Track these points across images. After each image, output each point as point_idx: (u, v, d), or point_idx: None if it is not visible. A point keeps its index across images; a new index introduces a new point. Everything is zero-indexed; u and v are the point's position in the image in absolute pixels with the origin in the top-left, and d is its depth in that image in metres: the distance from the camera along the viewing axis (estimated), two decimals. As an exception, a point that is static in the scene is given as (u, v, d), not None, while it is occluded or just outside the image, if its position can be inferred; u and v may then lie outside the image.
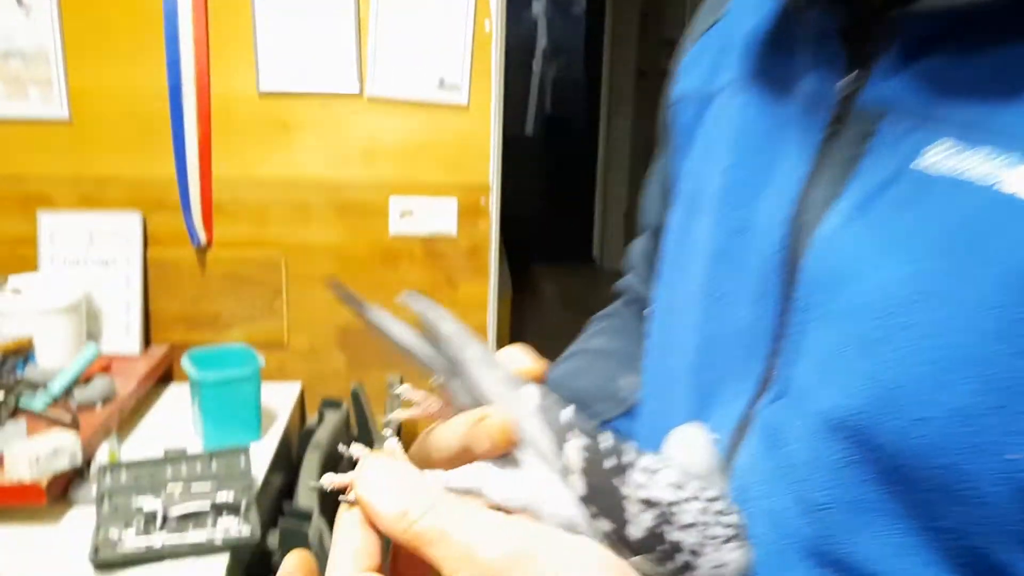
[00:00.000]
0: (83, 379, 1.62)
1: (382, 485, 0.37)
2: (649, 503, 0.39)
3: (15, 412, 1.51)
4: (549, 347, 0.67)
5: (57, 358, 1.65)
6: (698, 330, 0.51)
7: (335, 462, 1.73)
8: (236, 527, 1.38)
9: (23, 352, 1.61)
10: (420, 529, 0.36)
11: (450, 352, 0.42)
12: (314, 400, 1.94)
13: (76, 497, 1.45)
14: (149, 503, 1.39)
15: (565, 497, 0.39)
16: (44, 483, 1.36)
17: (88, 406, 1.57)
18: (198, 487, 1.44)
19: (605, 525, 0.39)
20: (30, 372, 1.60)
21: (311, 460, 1.63)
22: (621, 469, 0.39)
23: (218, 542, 1.35)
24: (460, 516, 0.36)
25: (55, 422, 1.48)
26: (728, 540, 0.39)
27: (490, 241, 1.99)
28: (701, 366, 0.51)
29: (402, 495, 0.37)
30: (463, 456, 0.40)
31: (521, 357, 0.43)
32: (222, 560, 1.34)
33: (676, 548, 0.39)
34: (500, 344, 1.89)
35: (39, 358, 1.65)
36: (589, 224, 5.18)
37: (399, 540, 0.37)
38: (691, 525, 0.39)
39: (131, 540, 1.34)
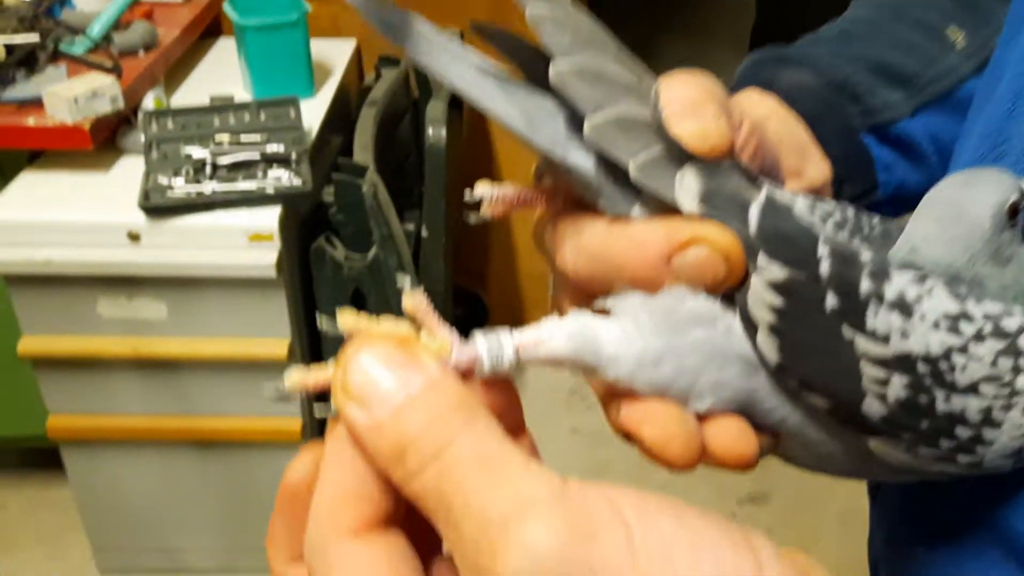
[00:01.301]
0: (123, 24, 1.52)
1: (374, 394, 0.26)
2: (906, 360, 0.29)
3: (54, 57, 1.43)
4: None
5: (94, 2, 1.55)
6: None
7: (391, 121, 1.64)
8: (288, 178, 1.33)
9: (57, -6, 1.51)
10: (419, 489, 0.25)
11: (594, 100, 0.30)
12: (371, 58, 1.82)
13: (124, 145, 1.40)
14: (198, 151, 1.34)
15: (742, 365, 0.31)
16: (87, 126, 1.30)
17: (130, 52, 1.48)
18: (247, 138, 1.37)
19: (821, 402, 0.30)
20: (67, 16, 1.50)
21: (366, 117, 1.55)
22: (856, 303, 0.29)
23: (269, 191, 1.30)
24: (483, 476, 0.24)
25: (96, 67, 1.39)
26: None
27: None
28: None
29: (404, 418, 0.25)
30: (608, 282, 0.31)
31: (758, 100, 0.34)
32: (275, 210, 1.30)
33: (952, 421, 0.29)
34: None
35: (76, 1, 1.55)
36: None
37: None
38: (978, 383, 0.29)
39: (180, 187, 1.30)
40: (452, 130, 1.59)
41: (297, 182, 1.32)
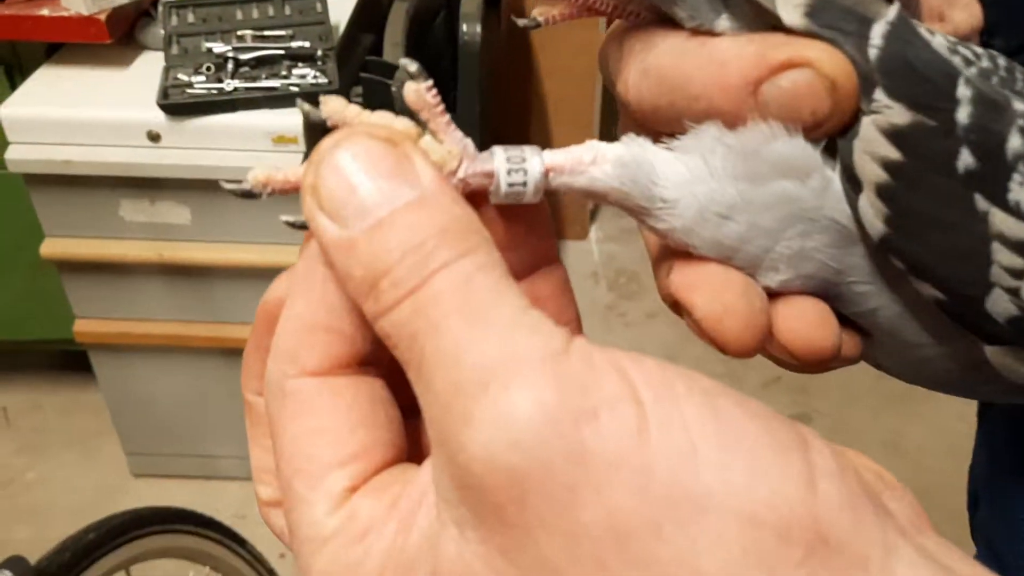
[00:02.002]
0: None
1: (349, 203, 0.21)
2: None
3: (72, -55, 1.36)
4: None
5: None
6: None
7: (424, 17, 1.56)
8: (313, 76, 1.26)
9: None
10: (389, 327, 0.20)
11: None
12: (405, -49, 1.73)
13: (144, 39, 1.34)
14: (219, 47, 1.27)
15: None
16: (103, 17, 1.24)
17: (150, -59, 1.41)
18: (271, 33, 1.30)
19: (931, 291, 0.24)
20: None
21: (397, 12, 1.47)
22: (999, 166, 0.23)
23: (294, 90, 1.24)
24: (465, 320, 0.19)
25: (114, -43, 1.33)
26: None
27: None
28: None
29: (381, 238, 0.20)
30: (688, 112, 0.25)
31: None
32: (299, 111, 1.23)
33: None
34: None
35: None
36: None
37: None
38: None
39: (201, 84, 1.24)
40: (488, 27, 1.50)
41: (323, 81, 1.25)
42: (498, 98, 1.66)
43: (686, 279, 0.26)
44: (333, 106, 0.24)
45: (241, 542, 1.12)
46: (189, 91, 1.23)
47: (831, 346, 0.26)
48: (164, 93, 1.23)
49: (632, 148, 0.25)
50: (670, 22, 0.27)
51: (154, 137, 1.23)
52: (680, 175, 0.25)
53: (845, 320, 0.27)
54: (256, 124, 1.23)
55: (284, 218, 0.28)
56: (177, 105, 1.22)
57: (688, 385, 0.19)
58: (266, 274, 1.32)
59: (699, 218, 0.25)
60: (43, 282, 1.45)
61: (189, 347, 1.41)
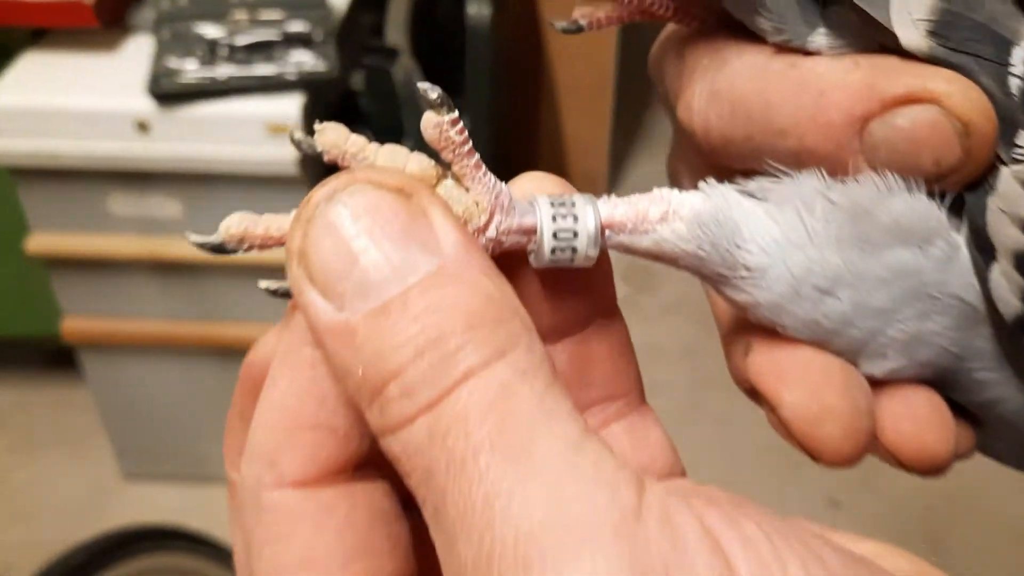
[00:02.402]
0: None
1: (346, 276, 0.17)
2: None
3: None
4: None
5: None
6: None
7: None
8: (311, 61, 1.19)
9: None
10: (399, 451, 0.16)
11: None
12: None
13: (133, 22, 1.27)
14: (212, 30, 1.21)
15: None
16: (91, 1, 1.17)
17: (139, -83, 1.33)
18: (267, 15, 1.23)
19: None
20: None
21: (401, -9, 1.40)
22: None
23: (291, 77, 1.17)
24: (506, 459, 0.15)
25: (101, -66, 1.25)
26: None
27: None
28: None
29: (390, 327, 0.16)
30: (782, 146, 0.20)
31: None
32: (297, 98, 1.17)
33: None
34: None
35: None
36: None
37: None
38: None
39: (193, 71, 1.17)
40: (498, 7, 1.43)
41: (322, 66, 1.19)
42: (506, 80, 1.59)
43: (772, 366, 0.21)
44: (330, 137, 0.20)
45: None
46: (180, 78, 1.16)
47: (946, 451, 0.21)
48: (154, 80, 1.16)
49: (713, 202, 0.20)
50: (743, 31, 0.22)
51: (143, 127, 1.16)
52: (771, 238, 0.20)
53: (955, 407, 0.22)
54: (251, 113, 1.16)
55: (263, 284, 0.23)
56: (167, 93, 1.15)
57: (802, 559, 0.14)
58: (261, 271, 1.26)
59: (793, 293, 0.20)
60: (29, 278, 1.39)
61: (181, 346, 1.35)
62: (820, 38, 0.21)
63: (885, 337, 0.20)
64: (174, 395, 1.43)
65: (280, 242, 0.20)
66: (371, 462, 0.18)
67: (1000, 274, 0.19)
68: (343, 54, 1.22)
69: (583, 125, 1.75)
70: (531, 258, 0.20)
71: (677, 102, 0.23)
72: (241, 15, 1.22)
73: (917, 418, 0.21)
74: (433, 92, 0.20)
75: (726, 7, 0.22)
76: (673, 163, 0.26)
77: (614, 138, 1.86)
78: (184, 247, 1.25)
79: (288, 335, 0.18)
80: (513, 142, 1.82)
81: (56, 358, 1.67)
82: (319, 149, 0.20)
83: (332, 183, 0.17)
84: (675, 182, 0.26)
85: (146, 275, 1.29)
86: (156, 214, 1.24)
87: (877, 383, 0.21)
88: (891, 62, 0.20)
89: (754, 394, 0.22)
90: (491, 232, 0.19)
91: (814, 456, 0.20)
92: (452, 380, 0.15)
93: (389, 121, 1.26)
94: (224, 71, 1.17)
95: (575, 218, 0.19)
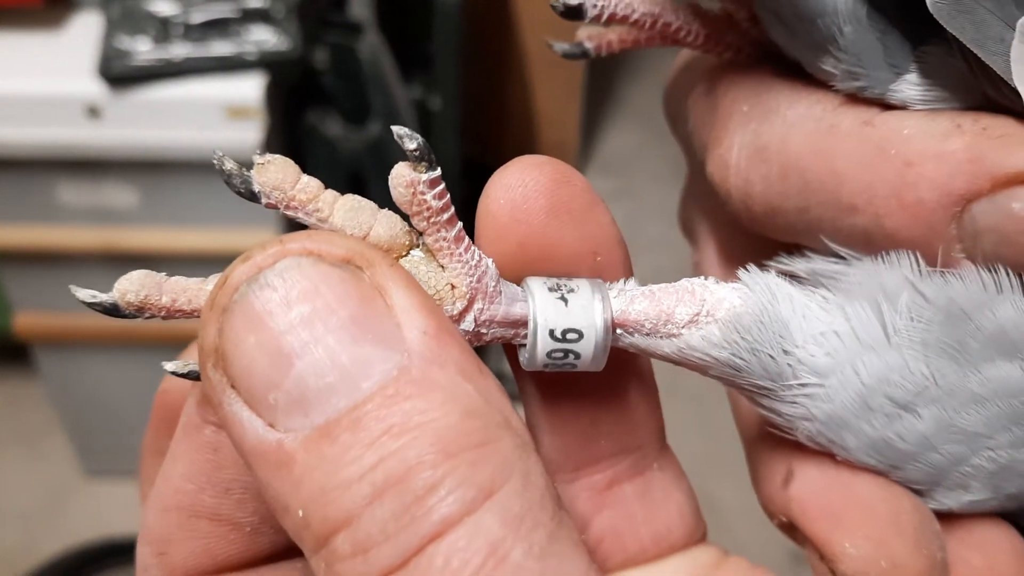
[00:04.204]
0: None
1: (278, 383, 0.12)
2: None
3: None
4: None
5: None
6: None
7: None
8: (271, 39, 1.13)
9: None
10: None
11: None
12: None
13: (78, -1, 1.19)
14: (165, 6, 1.13)
15: None
16: (30, -23, 1.09)
17: None
18: (223, -10, 1.16)
19: None
20: None
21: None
22: None
23: (250, 57, 1.11)
24: None
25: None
26: None
27: None
28: None
29: (340, 459, 0.12)
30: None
31: None
32: (257, 79, 1.11)
33: None
34: None
35: None
36: None
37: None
38: None
39: (145, 51, 1.10)
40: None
41: (283, 44, 1.12)
42: (474, 55, 1.53)
43: (823, 502, 0.16)
44: (273, 177, 0.16)
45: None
46: (132, 59, 1.09)
47: None
48: (104, 62, 1.09)
49: (757, 298, 0.16)
50: (790, 66, 0.17)
51: (94, 112, 1.09)
52: (835, 336, 0.16)
53: None
54: (208, 95, 1.10)
55: (168, 367, 0.18)
56: (119, 76, 1.08)
57: None
58: (222, 261, 1.19)
59: (861, 405, 0.16)
60: (-25, 271, 1.32)
61: (139, 340, 1.29)
62: (908, 88, 0.16)
63: (970, 466, 0.16)
64: (133, 390, 1.37)
65: (190, 315, 0.17)
66: (282, 556, 0.15)
67: None
68: (305, 30, 1.15)
69: (554, 96, 1.70)
70: (522, 359, 0.16)
71: (707, 156, 0.19)
72: (195, -10, 1.15)
73: (996, 566, 0.17)
74: (411, 141, 0.16)
75: (777, 41, 0.17)
76: (686, 211, 0.22)
77: (586, 109, 1.81)
78: (140, 238, 1.19)
79: (191, 406, 0.15)
80: (483, 116, 1.77)
81: (8, 353, 1.60)
82: (255, 189, 0.16)
83: (256, 256, 0.14)
84: (687, 232, 0.22)
85: (101, 267, 1.23)
86: (110, 204, 1.17)
87: (946, 516, 0.17)
88: (1005, 125, 0.15)
89: (791, 529, 0.17)
90: (467, 323, 0.15)
91: None
92: (421, 537, 0.11)
93: (354, 101, 1.21)
94: (179, 51, 1.10)
95: (577, 303, 0.15)
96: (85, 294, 0.19)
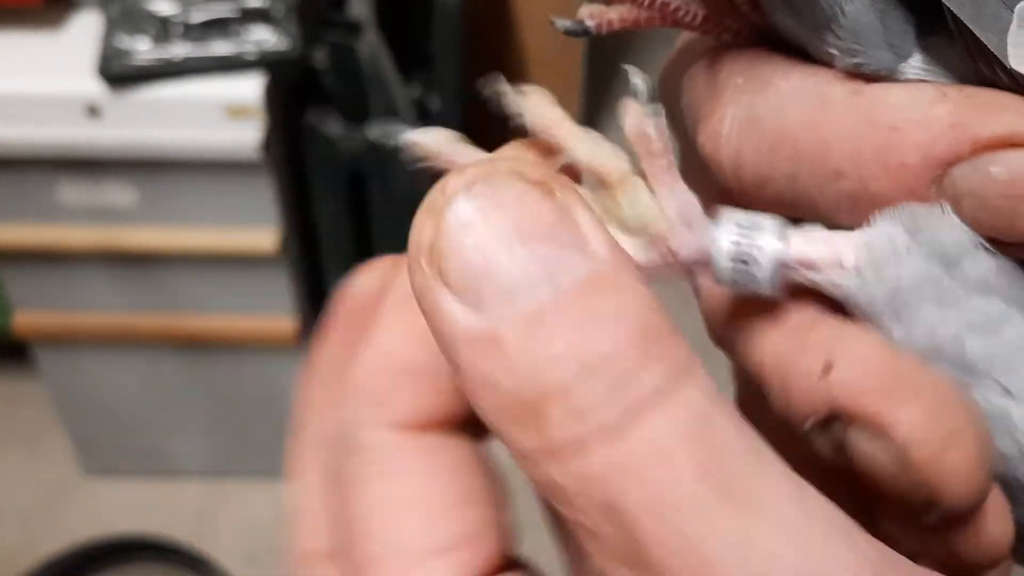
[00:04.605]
0: None
1: (488, 277, 0.14)
2: None
3: None
4: None
5: None
6: None
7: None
8: (271, 39, 1.13)
9: None
10: (565, 482, 0.13)
11: None
12: None
13: (78, -2, 1.19)
14: (164, 6, 1.14)
15: None
16: (29, -24, 1.10)
17: None
18: (223, -10, 1.16)
19: None
20: None
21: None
22: None
23: (250, 56, 1.11)
24: (717, 506, 0.13)
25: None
26: None
27: None
28: None
29: (550, 339, 0.14)
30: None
31: None
32: (257, 79, 1.11)
33: None
34: None
35: None
36: None
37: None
38: None
39: (145, 51, 1.10)
40: None
41: (283, 44, 1.13)
42: (474, 55, 1.53)
43: (870, 381, 0.16)
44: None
45: (205, 567, 1.02)
46: (132, 59, 1.09)
47: (1006, 544, 0.18)
48: (104, 61, 1.09)
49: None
50: (790, 48, 0.18)
51: (93, 111, 1.10)
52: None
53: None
54: (208, 95, 1.10)
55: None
56: (119, 76, 1.08)
57: None
58: (223, 260, 1.21)
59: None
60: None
61: (140, 339, 1.29)
62: (907, 69, 0.17)
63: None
64: (133, 389, 1.38)
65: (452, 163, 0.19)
66: (476, 428, 0.18)
67: None
68: (304, 30, 1.15)
69: (553, 93, 1.69)
70: (712, 282, 0.18)
71: (699, 128, 0.19)
72: (195, -11, 1.15)
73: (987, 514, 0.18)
74: (638, 78, 0.18)
75: (776, 22, 0.18)
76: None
77: (585, 109, 1.81)
78: (140, 237, 1.19)
79: (403, 281, 0.17)
80: (482, 115, 1.77)
81: (7, 352, 1.60)
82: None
83: (470, 171, 0.15)
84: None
85: (101, 266, 1.23)
86: (110, 202, 1.17)
87: None
88: (990, 95, 0.16)
89: (826, 428, 0.17)
90: (668, 247, 0.17)
91: (934, 495, 0.16)
92: (638, 402, 0.13)
93: (354, 101, 1.21)
94: (179, 50, 1.10)
95: (754, 245, 0.17)
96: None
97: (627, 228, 0.18)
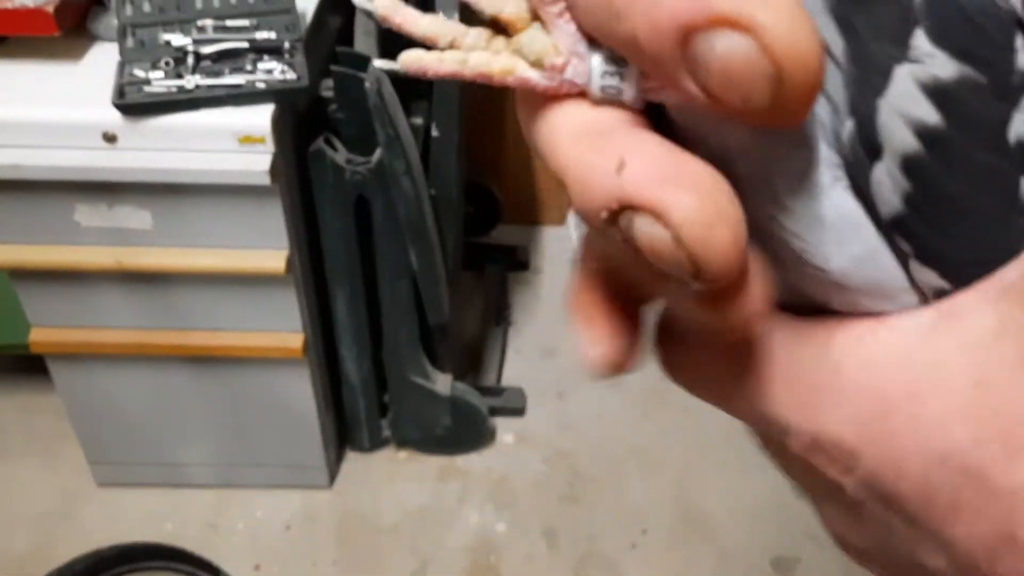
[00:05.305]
0: None
1: None
2: None
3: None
4: None
5: None
6: None
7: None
8: (281, 71, 1.18)
9: None
10: None
11: None
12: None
13: (96, 30, 1.24)
14: (178, 39, 1.18)
15: None
16: (51, 8, 1.15)
17: (100, -80, 1.31)
18: (234, 23, 1.21)
19: (931, 278, 0.19)
20: None
21: (369, -5, 1.38)
22: None
23: (260, 87, 1.16)
24: None
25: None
26: None
27: None
28: None
29: None
30: None
31: None
32: (267, 108, 1.16)
33: None
34: None
35: None
36: None
37: None
38: None
39: (159, 81, 1.15)
40: (465, 11, 1.42)
41: (292, 76, 1.17)
42: (473, 85, 1.58)
43: (656, 173, 0.18)
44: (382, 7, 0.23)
45: (214, 572, 1.07)
46: (147, 89, 1.14)
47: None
48: (120, 91, 1.14)
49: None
50: None
51: (110, 138, 1.14)
52: None
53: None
54: (220, 123, 1.15)
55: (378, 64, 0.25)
56: (134, 104, 1.13)
57: None
58: (233, 279, 1.26)
59: None
60: (-5, 288, 1.37)
61: (152, 355, 1.34)
62: None
63: None
64: (147, 404, 1.42)
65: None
66: None
67: (884, 173, 0.18)
68: (312, 61, 1.20)
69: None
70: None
71: None
72: (208, 23, 1.20)
73: None
74: None
75: None
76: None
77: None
78: (154, 258, 1.24)
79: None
80: (478, 137, 1.82)
81: (24, 364, 1.65)
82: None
83: None
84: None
85: (115, 286, 1.28)
86: (125, 225, 1.22)
87: None
88: None
89: (613, 221, 0.19)
90: (568, 73, 0.20)
91: (700, 267, 0.18)
92: None
93: (359, 129, 1.25)
94: (192, 81, 1.15)
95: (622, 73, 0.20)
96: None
97: (530, 61, 0.21)
